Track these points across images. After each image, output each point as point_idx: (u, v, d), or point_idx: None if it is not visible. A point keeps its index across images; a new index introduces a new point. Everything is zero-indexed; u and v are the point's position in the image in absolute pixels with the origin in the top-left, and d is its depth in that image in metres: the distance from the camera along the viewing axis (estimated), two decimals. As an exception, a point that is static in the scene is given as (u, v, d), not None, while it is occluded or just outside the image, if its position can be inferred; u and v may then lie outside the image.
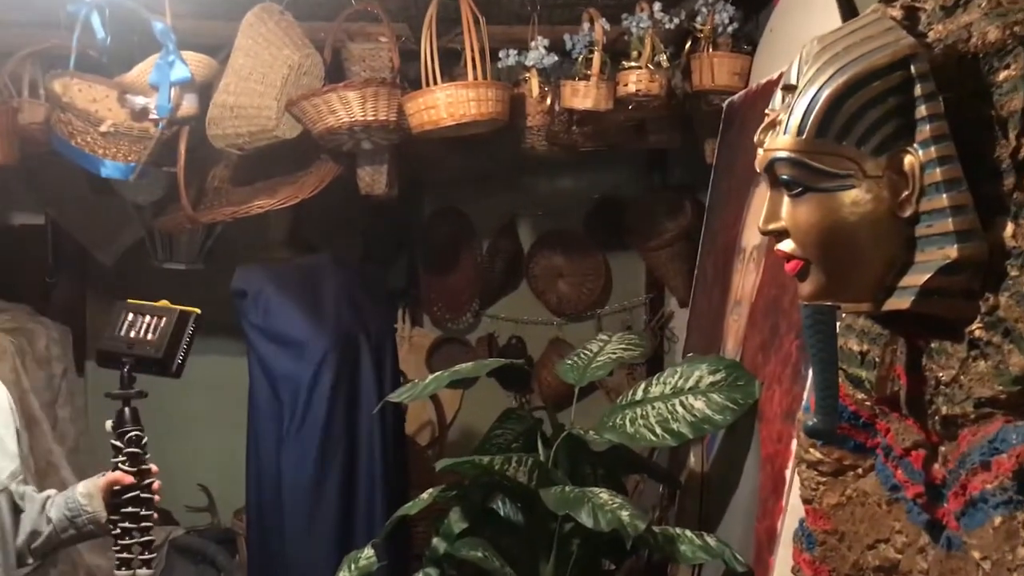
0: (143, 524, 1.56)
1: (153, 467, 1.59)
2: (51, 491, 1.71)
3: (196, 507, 3.57)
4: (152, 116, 2.40)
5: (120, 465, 1.56)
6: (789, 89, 1.00)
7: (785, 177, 0.99)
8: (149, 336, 1.56)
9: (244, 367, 2.73)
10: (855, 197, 0.97)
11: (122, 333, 1.58)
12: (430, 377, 1.80)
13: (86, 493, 1.61)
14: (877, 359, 1.10)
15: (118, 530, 1.56)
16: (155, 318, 1.58)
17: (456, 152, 2.92)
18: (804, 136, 0.96)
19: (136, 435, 1.55)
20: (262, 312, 2.34)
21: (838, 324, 1.12)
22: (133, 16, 2.40)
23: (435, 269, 3.60)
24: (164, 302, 1.70)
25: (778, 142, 0.98)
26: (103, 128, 2.35)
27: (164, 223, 2.78)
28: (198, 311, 1.62)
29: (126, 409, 1.55)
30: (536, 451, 1.78)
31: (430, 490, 1.73)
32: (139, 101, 2.40)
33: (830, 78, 0.95)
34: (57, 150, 2.48)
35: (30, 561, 1.66)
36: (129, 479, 1.55)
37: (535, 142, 2.77)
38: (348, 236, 3.41)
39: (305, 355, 2.26)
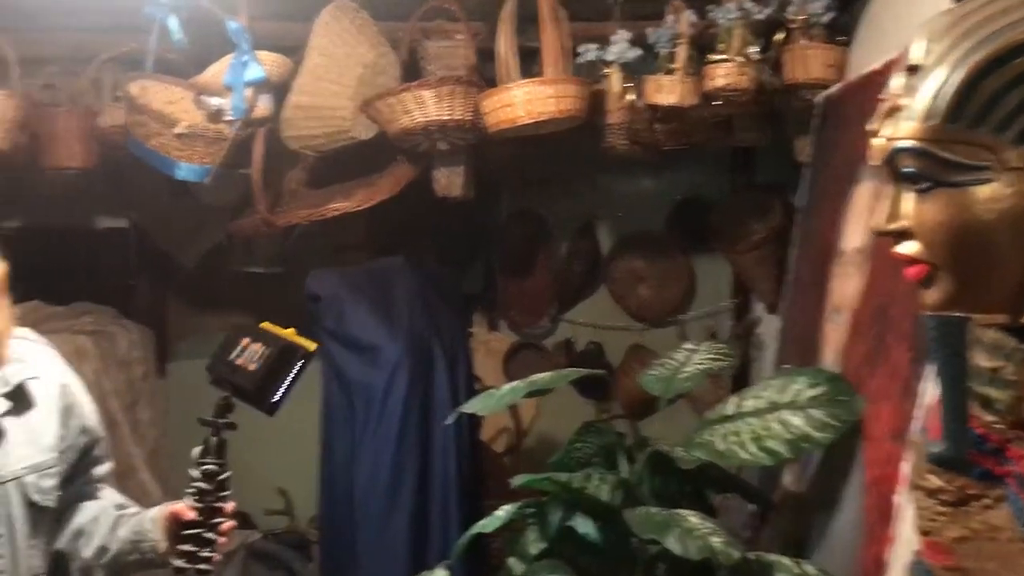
0: (200, 566, 1.41)
1: (227, 506, 1.45)
2: (131, 508, 1.64)
3: (274, 510, 3.56)
4: (227, 118, 2.37)
5: (189, 499, 1.43)
6: (913, 70, 0.88)
7: (910, 170, 0.87)
8: (251, 365, 1.44)
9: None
10: (992, 192, 0.84)
11: (231, 357, 1.46)
12: (507, 387, 1.72)
13: (153, 519, 1.53)
14: (1011, 377, 0.97)
15: (175, 565, 1.43)
16: (265, 347, 1.46)
17: (533, 152, 2.83)
18: (933, 123, 0.84)
19: (212, 469, 1.40)
20: (336, 317, 2.29)
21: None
22: (208, 17, 2.38)
23: (512, 272, 3.52)
24: (290, 331, 1.52)
25: (901, 130, 0.86)
26: (178, 130, 2.33)
27: (240, 226, 2.76)
28: (311, 347, 1.45)
29: (212, 440, 1.41)
30: (617, 467, 1.68)
31: (506, 507, 1.64)
32: (214, 102, 2.37)
33: (965, 55, 0.83)
34: (133, 152, 2.47)
35: None
36: (189, 515, 1.42)
37: (615, 141, 2.67)
38: (421, 238, 3.35)
39: (379, 361, 2.20)
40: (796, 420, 1.52)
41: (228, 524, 1.46)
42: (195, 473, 1.45)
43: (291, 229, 3.03)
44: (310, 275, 2.42)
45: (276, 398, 1.46)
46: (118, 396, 3.08)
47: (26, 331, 1.59)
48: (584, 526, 1.56)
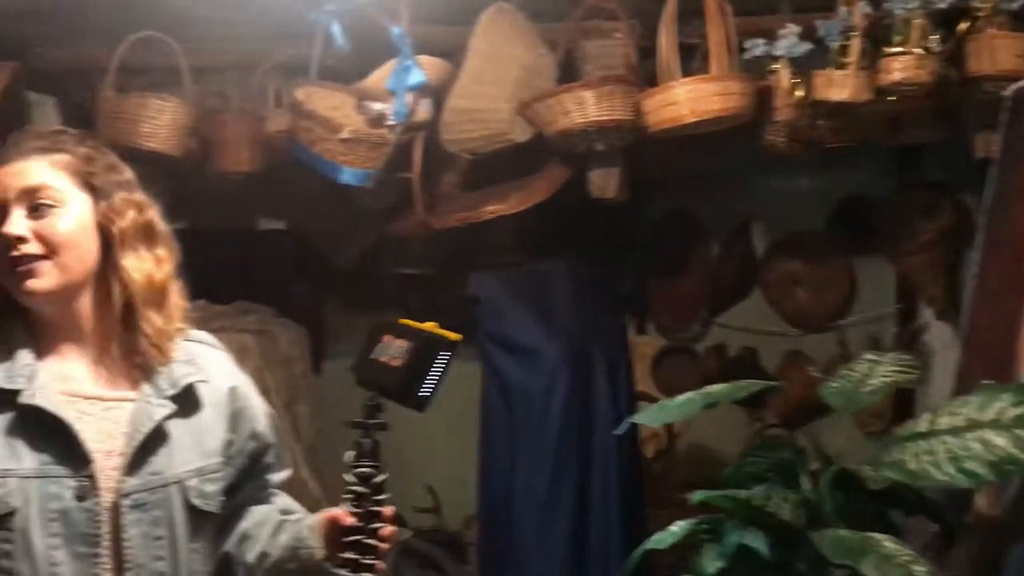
0: (364, 574, 1.36)
1: (386, 510, 1.39)
2: (295, 514, 1.59)
3: (422, 508, 3.60)
4: (388, 122, 2.40)
5: (345, 504, 1.38)
6: None
7: None
8: (395, 362, 1.38)
9: (475, 370, 2.72)
10: None
11: (373, 356, 1.41)
12: (682, 399, 1.66)
13: (311, 525, 1.49)
14: None
15: (338, 575, 1.38)
16: (406, 342, 1.42)
17: (687, 151, 2.75)
18: None
19: (367, 472, 1.35)
20: (495, 319, 2.29)
21: None
22: (367, 23, 2.42)
23: (662, 274, 3.44)
24: (431, 325, 1.44)
25: None
26: (343, 135, 2.38)
27: (398, 228, 2.80)
28: (455, 338, 1.37)
29: (363, 442, 1.36)
30: (794, 483, 1.60)
31: (680, 523, 1.58)
32: (375, 107, 2.41)
33: None
34: (299, 157, 2.53)
35: None
36: (349, 519, 1.37)
37: (775, 138, 2.56)
38: (571, 240, 3.32)
39: (538, 364, 2.18)
40: (1000, 440, 1.40)
41: (388, 529, 1.40)
42: (350, 477, 1.38)
43: (442, 231, 3.06)
44: (472, 277, 2.43)
45: (425, 393, 1.35)
46: (278, 394, 3.17)
47: (201, 334, 1.57)
48: (762, 546, 1.49)
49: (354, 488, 1.38)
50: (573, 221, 3.18)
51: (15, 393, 1.35)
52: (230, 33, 2.75)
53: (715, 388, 1.69)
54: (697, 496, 1.48)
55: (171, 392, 1.45)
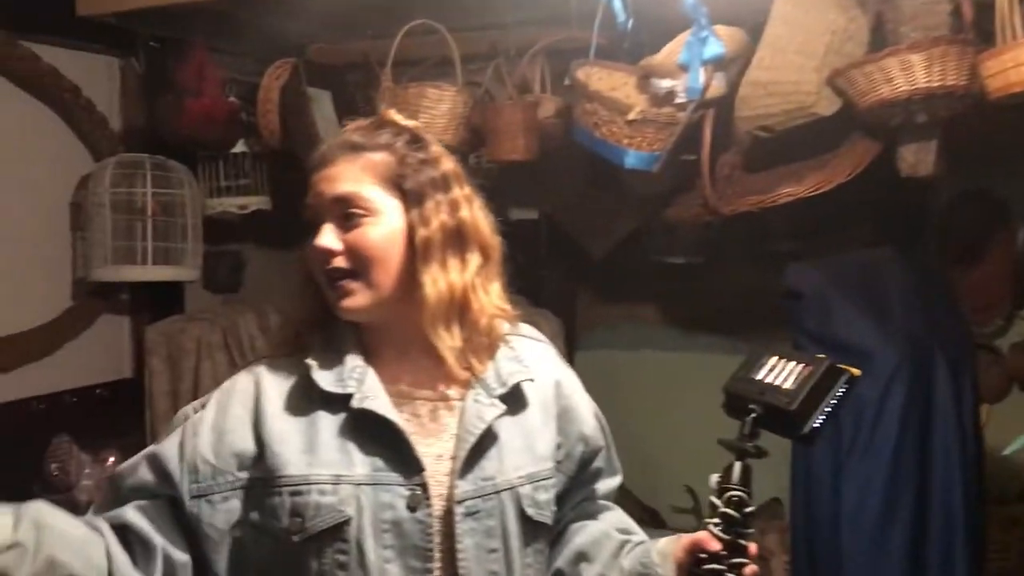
0: None
1: (752, 546, 1.26)
2: (637, 535, 1.46)
3: (681, 508, 3.44)
4: (678, 100, 2.23)
5: (711, 527, 1.25)
6: None
7: None
8: (786, 384, 1.25)
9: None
10: None
11: (757, 376, 1.28)
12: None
13: (661, 551, 1.35)
14: None
15: None
16: (801, 366, 1.27)
17: (993, 120, 2.42)
18: None
19: (739, 497, 1.22)
20: (820, 317, 2.06)
21: None
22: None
23: (957, 261, 3.08)
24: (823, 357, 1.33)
25: None
26: (631, 116, 2.23)
27: (678, 214, 2.63)
28: (857, 373, 1.26)
29: (737, 465, 1.24)
30: None
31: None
32: (664, 85, 2.25)
33: None
34: (579, 141, 2.42)
35: None
36: (715, 545, 1.23)
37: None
38: (857, 222, 3.03)
39: (872, 368, 1.93)
40: None
41: (751, 569, 1.25)
42: (717, 501, 1.24)
43: (729, 217, 2.86)
44: (790, 268, 2.22)
45: (817, 424, 1.23)
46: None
47: (524, 326, 1.48)
48: None
49: (724, 512, 1.23)
50: (857, 202, 2.91)
51: (347, 397, 1.29)
52: (500, 20, 2.68)
53: None
54: None
55: (500, 391, 1.34)
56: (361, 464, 1.27)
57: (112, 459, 2.91)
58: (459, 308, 1.31)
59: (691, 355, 3.41)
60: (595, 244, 3.42)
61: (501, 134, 2.57)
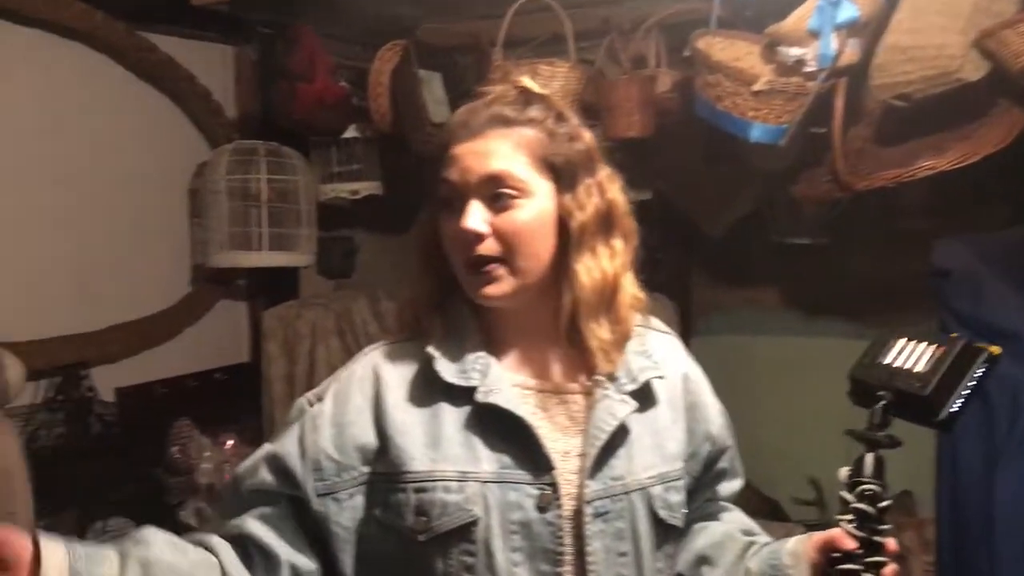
0: None
1: (889, 542, 1.16)
2: (762, 536, 1.38)
3: (804, 500, 3.30)
4: (808, 68, 2.10)
5: (844, 524, 1.16)
6: None
7: None
8: (918, 367, 1.15)
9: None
10: None
11: (885, 360, 1.18)
12: None
13: (792, 552, 1.26)
14: None
15: None
16: (933, 347, 1.15)
17: None
18: None
19: (872, 491, 1.13)
20: (971, 297, 1.90)
21: None
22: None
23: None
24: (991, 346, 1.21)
25: None
26: (757, 87, 2.11)
27: (805, 191, 2.48)
28: (997, 351, 1.15)
29: (868, 457, 1.15)
30: None
31: None
32: (792, 53, 2.12)
33: None
34: (701, 115, 2.31)
35: None
36: (850, 544, 1.14)
37: None
38: (998, 198, 2.82)
39: (1028, 350, 1.77)
40: None
41: (891, 568, 1.15)
42: (850, 496, 1.14)
43: (861, 193, 2.71)
44: (938, 246, 2.06)
45: (955, 408, 1.12)
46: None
47: (651, 318, 1.38)
48: None
49: (858, 507, 1.14)
50: (1005, 176, 2.70)
51: (470, 390, 1.21)
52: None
53: None
54: None
55: (630, 387, 1.26)
56: (487, 461, 1.20)
57: (231, 442, 2.96)
58: (609, 298, 1.23)
59: (814, 340, 3.25)
60: (712, 224, 3.29)
61: (616, 111, 2.48)
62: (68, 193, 2.75)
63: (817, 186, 2.40)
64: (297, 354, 3.12)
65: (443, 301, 1.28)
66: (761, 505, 3.35)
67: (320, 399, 1.27)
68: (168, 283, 3.09)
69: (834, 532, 1.17)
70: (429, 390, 1.23)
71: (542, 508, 1.19)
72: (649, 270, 3.62)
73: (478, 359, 1.23)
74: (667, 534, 1.29)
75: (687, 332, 3.52)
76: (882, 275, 2.97)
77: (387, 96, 2.76)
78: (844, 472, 1.17)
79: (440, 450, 1.20)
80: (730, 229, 3.30)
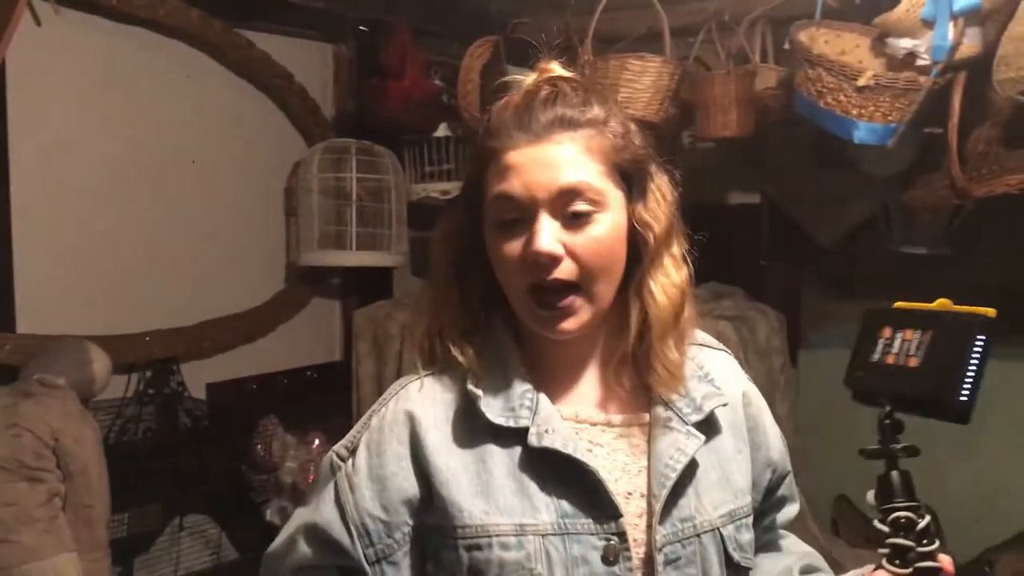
0: None
1: (943, 562, 1.00)
2: (821, 572, 1.21)
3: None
4: (921, 62, 1.90)
5: (885, 563, 0.99)
6: None
7: None
8: (911, 361, 0.98)
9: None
10: None
11: (877, 356, 1.02)
12: None
13: None
14: None
15: None
16: (921, 332, 0.98)
17: None
18: None
19: (907, 517, 0.98)
20: None
21: None
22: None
23: None
24: (943, 302, 1.06)
25: None
26: (861, 82, 1.92)
27: (918, 197, 2.27)
28: (991, 313, 0.98)
29: (892, 475, 0.99)
30: None
31: None
32: (903, 44, 1.92)
33: None
34: (801, 113, 2.13)
35: None
36: None
37: None
38: None
39: None
40: None
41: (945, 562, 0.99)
42: (883, 527, 0.98)
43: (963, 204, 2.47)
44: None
45: (964, 397, 0.96)
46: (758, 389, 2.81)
47: (701, 334, 1.19)
48: None
49: (892, 541, 0.97)
50: None
51: (522, 431, 1.04)
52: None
53: None
54: None
55: (696, 418, 1.09)
56: (546, 509, 1.04)
57: (317, 441, 2.94)
58: (678, 316, 1.07)
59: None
60: (824, 231, 3.07)
61: (712, 108, 2.33)
62: (163, 190, 2.80)
63: (933, 192, 2.18)
64: (387, 355, 3.09)
65: (476, 324, 1.11)
66: (873, 534, 3.11)
67: (352, 452, 1.11)
68: (263, 280, 3.11)
69: (879, 573, 0.99)
70: (471, 430, 1.06)
71: (610, 560, 1.03)
72: (755, 278, 3.42)
73: (525, 394, 1.07)
74: (738, 571, 1.13)
75: (795, 345, 3.31)
76: (1013, 287, 2.70)
77: (477, 93, 2.68)
78: (871, 496, 1.01)
79: (492, 500, 1.04)
80: (845, 236, 3.08)
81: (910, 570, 0.98)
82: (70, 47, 2.56)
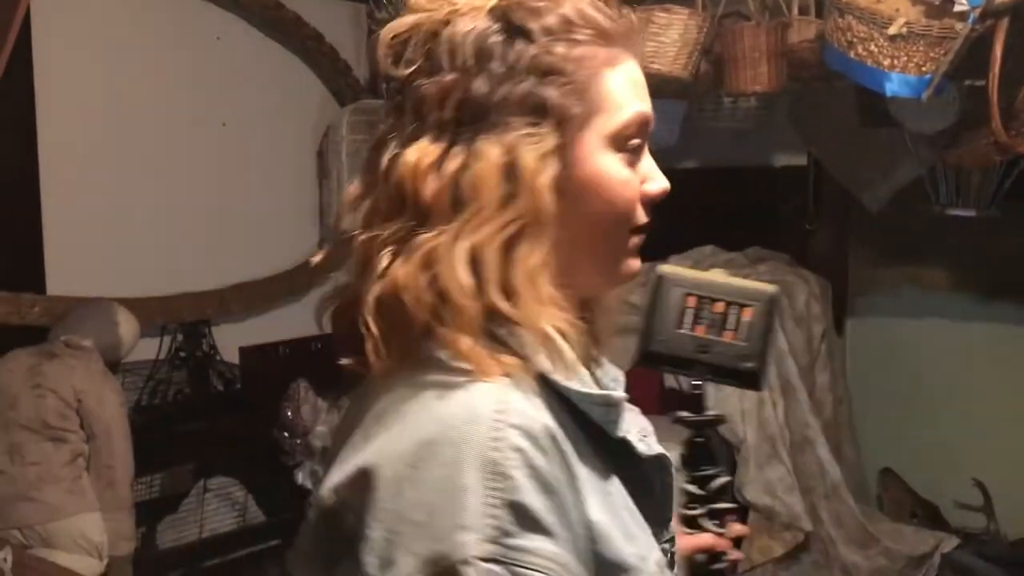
0: None
1: (736, 528, 0.98)
2: None
3: (968, 505, 2.92)
4: (959, 7, 1.77)
5: (702, 522, 0.98)
6: None
7: None
8: (727, 334, 0.95)
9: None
10: None
11: (685, 328, 0.97)
12: None
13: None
14: None
15: None
16: (732, 306, 0.95)
17: None
18: None
19: (717, 480, 1.00)
20: None
21: None
22: None
23: None
24: (720, 271, 1.01)
25: None
26: (892, 30, 1.80)
27: (959, 156, 2.14)
28: (775, 289, 0.97)
29: (696, 442, 1.00)
30: None
31: None
32: (940, -10, 1.79)
33: None
34: (831, 66, 2.02)
35: None
36: (722, 543, 0.96)
37: None
38: None
39: None
40: None
41: (736, 555, 1.00)
42: (694, 487, 0.99)
43: (1017, 162, 2.32)
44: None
45: (765, 368, 0.99)
46: (796, 357, 2.72)
47: None
48: None
49: (703, 502, 0.99)
50: None
51: (627, 443, 0.79)
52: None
53: None
54: None
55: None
56: (647, 532, 0.80)
57: (348, 405, 2.94)
58: None
59: (986, 326, 2.87)
60: (870, 194, 2.93)
61: (741, 61, 2.22)
62: (194, 152, 2.80)
63: (975, 150, 2.05)
64: (418, 320, 3.06)
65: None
66: (915, 507, 3.00)
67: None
68: (295, 243, 3.10)
69: (702, 538, 0.97)
70: (588, 450, 0.77)
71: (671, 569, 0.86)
72: (799, 243, 3.29)
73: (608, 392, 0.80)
74: None
75: (842, 313, 3.18)
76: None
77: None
78: (678, 460, 0.98)
79: (636, 544, 0.77)
80: (892, 199, 2.93)
81: (742, 528, 1.02)
82: (99, 8, 2.56)
